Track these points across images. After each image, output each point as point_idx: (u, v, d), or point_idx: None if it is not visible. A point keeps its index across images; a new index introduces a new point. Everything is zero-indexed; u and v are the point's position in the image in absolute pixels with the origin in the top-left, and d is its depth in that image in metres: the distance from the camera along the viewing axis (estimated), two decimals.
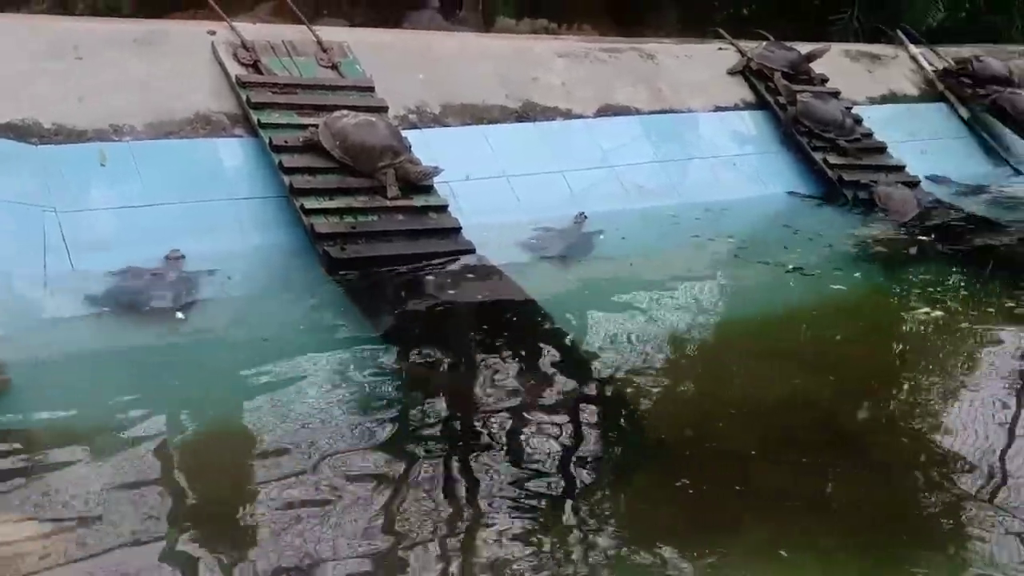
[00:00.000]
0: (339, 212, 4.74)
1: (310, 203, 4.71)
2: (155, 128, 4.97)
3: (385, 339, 3.93)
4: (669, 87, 7.04)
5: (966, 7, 10.20)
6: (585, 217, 5.67)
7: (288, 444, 3.03)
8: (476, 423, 3.29)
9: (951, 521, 2.84)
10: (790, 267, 5.19)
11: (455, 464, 2.99)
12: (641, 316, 4.53)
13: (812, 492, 2.98)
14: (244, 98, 5.16)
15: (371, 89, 5.55)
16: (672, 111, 6.91)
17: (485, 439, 3.17)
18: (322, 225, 4.62)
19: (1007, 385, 3.86)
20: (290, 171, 4.83)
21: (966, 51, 8.73)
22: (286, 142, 4.97)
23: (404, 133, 5.31)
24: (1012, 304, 4.96)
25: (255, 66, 5.40)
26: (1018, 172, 7.82)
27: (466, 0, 8.16)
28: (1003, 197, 7.20)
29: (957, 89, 8.26)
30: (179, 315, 3.98)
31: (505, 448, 3.10)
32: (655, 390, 3.66)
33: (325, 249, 4.51)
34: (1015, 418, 3.50)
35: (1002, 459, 3.17)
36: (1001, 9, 10.67)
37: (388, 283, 4.51)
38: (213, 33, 5.56)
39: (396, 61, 6.03)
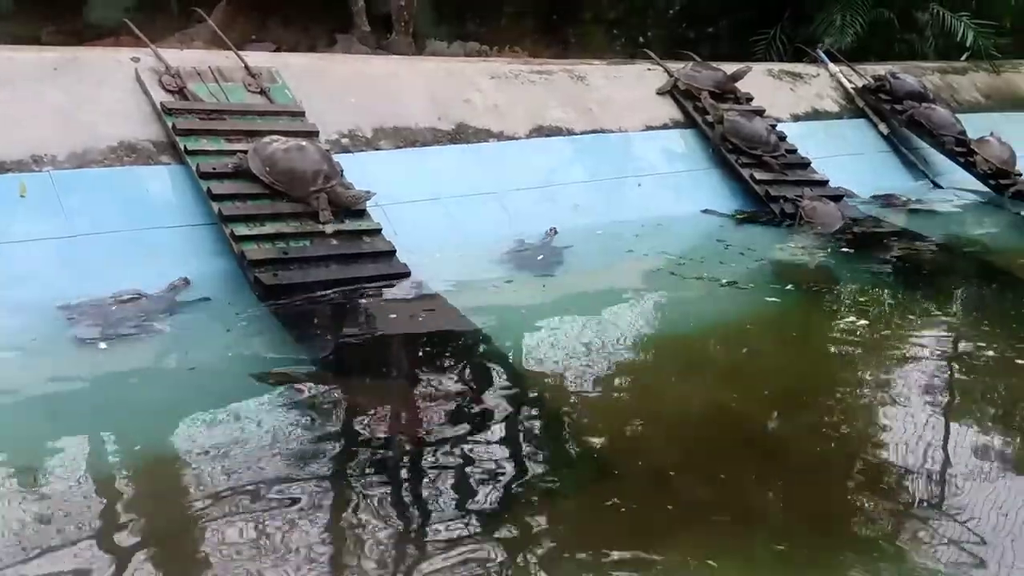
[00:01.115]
0: (270, 238, 4.67)
1: (240, 230, 4.64)
2: (78, 158, 4.85)
3: (318, 365, 3.88)
4: (600, 108, 7.14)
5: (882, 27, 10.58)
6: (556, 232, 5.80)
7: (218, 475, 2.96)
8: (412, 447, 3.27)
9: (875, 526, 2.91)
10: (724, 282, 5.28)
11: (391, 489, 2.96)
12: (577, 333, 4.55)
13: (742, 502, 3.01)
14: (170, 125, 5.07)
15: (301, 114, 5.51)
16: (604, 131, 7.01)
17: (421, 462, 3.15)
18: (253, 252, 4.55)
19: (930, 392, 3.96)
20: (219, 198, 4.76)
21: (883, 69, 9.03)
22: (214, 169, 4.89)
23: (336, 157, 5.27)
24: (934, 313, 5.13)
25: (181, 92, 5.31)
26: (936, 184, 8.09)
27: (396, 24, 8.16)
28: (922, 209, 7.46)
29: (876, 105, 8.55)
30: (102, 345, 3.88)
31: (440, 470, 3.08)
32: (591, 407, 3.68)
33: (257, 276, 4.45)
34: (938, 425, 3.60)
35: (925, 465, 3.26)
36: (915, 28, 11.09)
37: (322, 309, 4.46)
38: (137, 60, 5.46)
39: (327, 85, 5.99)
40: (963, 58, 10.79)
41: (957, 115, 8.52)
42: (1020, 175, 7.84)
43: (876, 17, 10.36)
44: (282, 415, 3.40)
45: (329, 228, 4.81)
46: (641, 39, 8.97)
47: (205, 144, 5.06)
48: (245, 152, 4.96)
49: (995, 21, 10.77)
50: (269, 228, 4.73)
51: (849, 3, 10.14)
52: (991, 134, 8.11)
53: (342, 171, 5.11)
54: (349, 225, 4.94)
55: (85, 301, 4.21)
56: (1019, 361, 4.37)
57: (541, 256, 5.55)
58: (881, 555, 2.74)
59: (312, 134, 5.34)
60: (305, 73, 5.93)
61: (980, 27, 10.44)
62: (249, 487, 2.90)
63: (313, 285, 4.57)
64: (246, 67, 5.67)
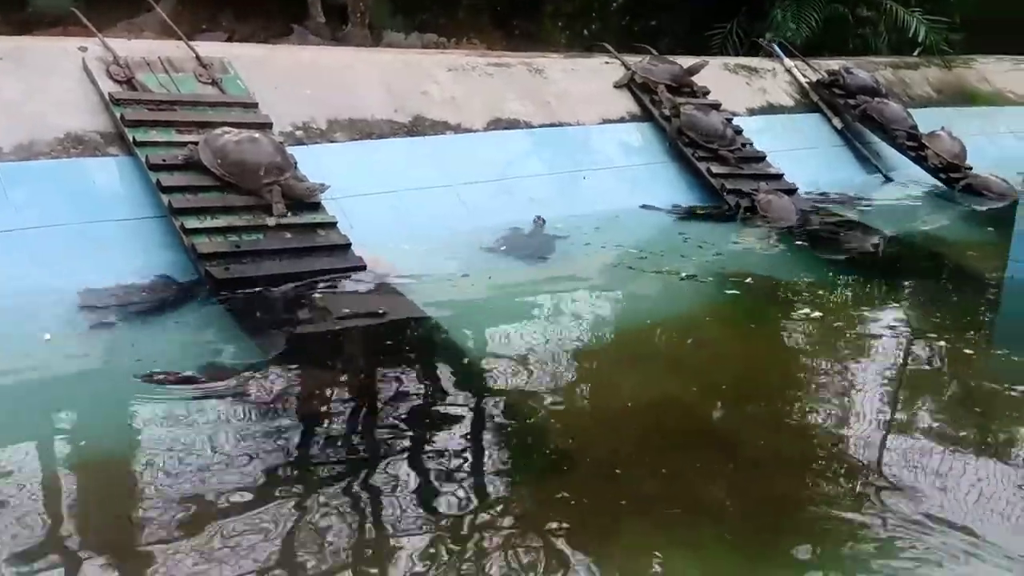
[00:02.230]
0: (222, 231, 4.60)
1: (191, 222, 4.56)
2: (24, 149, 4.74)
3: (271, 359, 3.82)
4: (558, 101, 7.14)
5: (837, 22, 10.71)
6: (543, 221, 5.86)
7: (172, 472, 2.91)
8: (365, 441, 3.24)
9: (823, 515, 2.94)
10: (683, 275, 5.30)
11: (339, 483, 2.92)
12: (534, 327, 4.55)
13: (693, 493, 3.03)
14: (118, 116, 4.97)
15: (254, 105, 5.43)
16: (562, 124, 7.01)
17: (371, 455, 3.13)
18: (204, 245, 4.48)
19: (882, 382, 4.02)
20: (169, 190, 4.67)
21: (837, 64, 9.13)
22: (164, 160, 4.80)
23: (290, 150, 5.21)
24: (886, 304, 5.21)
25: (129, 83, 5.21)
26: (888, 178, 8.21)
27: (352, 15, 8.07)
28: (875, 202, 7.56)
29: (830, 100, 8.64)
30: (47, 336, 3.80)
31: (389, 464, 3.05)
32: (545, 399, 3.67)
33: (208, 269, 4.38)
34: (889, 414, 3.65)
35: (875, 454, 3.30)
36: (869, 23, 11.25)
37: (275, 302, 4.41)
38: (84, 50, 5.35)
39: (281, 76, 5.91)
40: (915, 53, 10.96)
41: (909, 110, 8.64)
42: (970, 169, 7.98)
43: (831, 12, 10.48)
44: (230, 408, 3.35)
45: (279, 221, 4.74)
46: (599, 33, 8.97)
47: (155, 135, 4.98)
48: (196, 144, 4.88)
49: (947, 17, 10.96)
50: (221, 221, 4.65)
51: None
52: (942, 129, 8.25)
53: (296, 163, 5.04)
54: (303, 218, 4.89)
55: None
56: (967, 351, 4.45)
57: (526, 245, 5.64)
58: (829, 543, 2.78)
59: (265, 126, 5.27)
60: (258, 64, 5.85)
61: (932, 23, 10.62)
62: (194, 482, 2.86)
63: (266, 279, 4.51)
64: (197, 57, 5.57)
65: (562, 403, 3.70)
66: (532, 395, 3.71)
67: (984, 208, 7.44)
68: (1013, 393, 3.91)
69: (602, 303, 5.04)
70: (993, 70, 11.33)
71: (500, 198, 6.15)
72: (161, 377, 3.52)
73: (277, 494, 2.83)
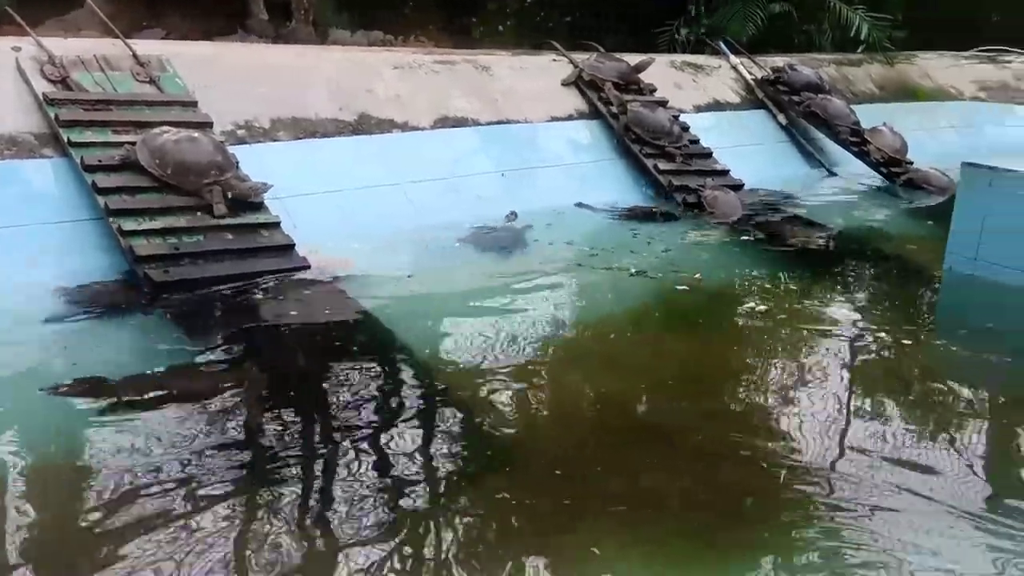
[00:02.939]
0: (161, 233, 4.52)
1: (128, 224, 4.47)
2: None
3: (214, 362, 3.76)
4: (505, 98, 7.12)
5: (782, 20, 10.85)
6: (516, 215, 5.98)
7: (115, 477, 2.85)
8: (305, 443, 3.19)
9: (770, 508, 2.97)
10: (633, 271, 5.32)
11: (279, 485, 2.88)
12: (481, 325, 4.51)
13: (640, 490, 3.04)
14: (53, 116, 4.85)
15: (194, 104, 5.33)
16: (509, 122, 6.99)
17: (314, 456, 3.09)
18: (142, 247, 4.39)
19: (827, 374, 4.06)
20: (105, 191, 4.57)
21: (781, 60, 9.25)
22: (100, 161, 4.70)
23: (232, 149, 5.13)
24: (830, 297, 5.28)
25: (64, 82, 5.09)
26: (832, 173, 8.33)
27: (296, 12, 7.97)
28: (819, 197, 7.67)
29: (775, 96, 8.74)
30: None
31: (333, 465, 3.02)
32: (491, 398, 3.65)
33: (146, 272, 4.30)
34: (833, 406, 3.69)
35: (820, 445, 3.34)
36: (813, 21, 11.41)
37: (217, 305, 4.34)
38: (18, 49, 5.21)
39: (222, 75, 5.82)
40: (859, 50, 11.14)
41: (852, 106, 8.77)
42: (911, 164, 8.13)
43: (776, 9, 10.61)
44: (176, 413, 3.29)
45: (220, 222, 4.67)
46: (547, 30, 8.97)
47: (90, 136, 4.87)
48: (133, 144, 4.78)
49: (889, 14, 11.16)
50: (159, 223, 4.57)
51: None
52: (884, 124, 8.40)
53: (238, 163, 4.97)
54: (246, 218, 4.82)
55: None
56: (906, 342, 4.53)
57: (499, 239, 5.75)
58: (776, 536, 2.81)
59: (205, 125, 5.18)
60: (198, 62, 5.75)
61: (875, 20, 10.80)
62: (133, 486, 2.81)
63: (207, 281, 4.44)
64: (134, 56, 5.46)
65: (509, 401, 3.68)
66: (478, 393, 3.69)
67: (924, 202, 7.58)
68: (951, 382, 3.99)
69: (551, 300, 5.02)
70: (934, 66, 11.56)
71: (447, 196, 6.12)
72: (66, 389, 3.43)
73: (209, 493, 2.79)
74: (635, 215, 6.55)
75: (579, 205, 6.61)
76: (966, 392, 3.92)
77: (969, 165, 5.21)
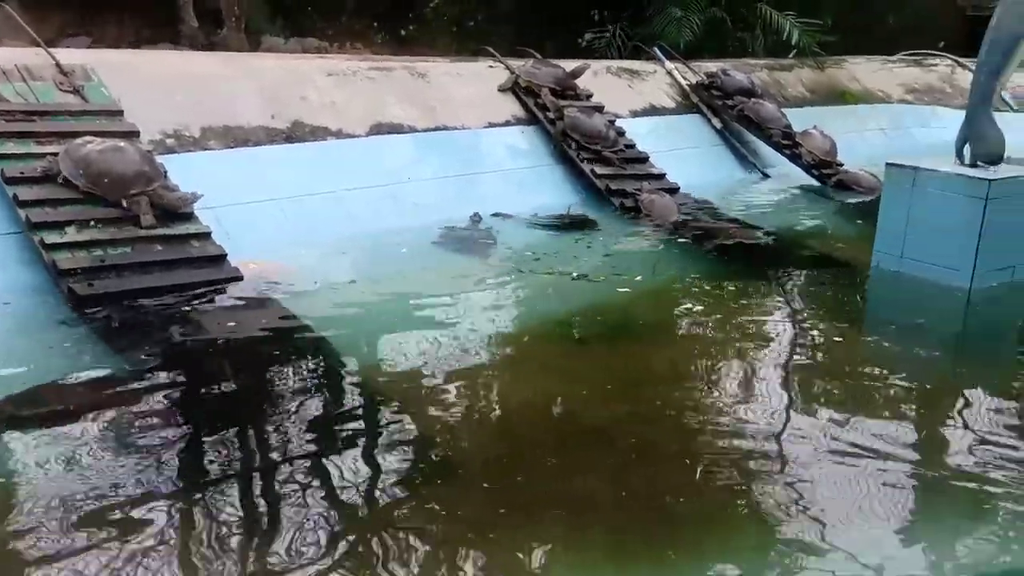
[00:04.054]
0: (85, 246, 4.40)
1: (51, 237, 4.35)
2: None
3: (142, 377, 3.66)
4: (442, 105, 7.10)
5: (716, 26, 11.03)
6: (480, 217, 6.11)
7: (44, 498, 2.76)
8: (236, 456, 3.13)
9: (706, 508, 2.99)
10: (575, 275, 5.33)
11: (210, 501, 2.82)
12: (420, 332, 4.48)
13: (578, 493, 3.04)
14: None
15: (120, 113, 5.22)
16: (446, 128, 6.97)
17: (248, 472, 3.03)
18: (65, 260, 4.27)
19: (763, 374, 4.11)
20: (26, 204, 4.45)
21: (715, 66, 9.38)
22: (22, 173, 4.58)
23: (161, 158, 5.03)
24: (765, 298, 5.36)
25: None
26: (765, 175, 8.47)
27: (227, 19, 7.85)
28: (753, 199, 7.80)
29: (709, 101, 8.87)
30: None
31: (267, 480, 2.97)
32: (430, 406, 3.63)
33: (69, 286, 4.18)
34: (774, 406, 3.73)
35: (758, 443, 3.37)
36: (747, 27, 11.62)
37: (145, 318, 4.23)
38: None
39: (149, 83, 5.71)
40: (790, 55, 11.37)
41: (784, 109, 8.94)
42: (841, 165, 8.30)
43: (710, 16, 10.78)
44: (106, 430, 3.21)
45: (148, 233, 4.57)
46: (483, 37, 8.98)
47: (11, 147, 4.75)
48: (56, 155, 4.65)
49: (819, 20, 11.42)
50: (84, 235, 4.45)
51: (686, 3, 10.53)
52: (814, 127, 8.56)
53: (166, 173, 4.87)
54: (175, 229, 4.72)
55: None
56: (837, 339, 4.62)
57: (465, 240, 5.87)
58: (713, 536, 2.83)
59: (132, 134, 5.08)
60: (125, 70, 5.63)
61: (805, 26, 11.04)
62: (60, 509, 2.72)
63: (134, 293, 4.34)
64: (57, 65, 5.33)
65: (448, 407, 3.66)
66: (416, 401, 3.66)
67: (854, 202, 7.75)
68: (880, 376, 4.08)
69: (493, 305, 5.01)
70: (863, 70, 11.83)
71: (385, 203, 6.08)
72: None
73: (137, 512, 2.72)
74: (556, 224, 6.49)
75: (496, 215, 6.45)
76: (899, 386, 4.00)
77: (893, 165, 5.34)
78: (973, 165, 5.17)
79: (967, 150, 5.23)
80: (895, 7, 14.08)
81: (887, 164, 5.43)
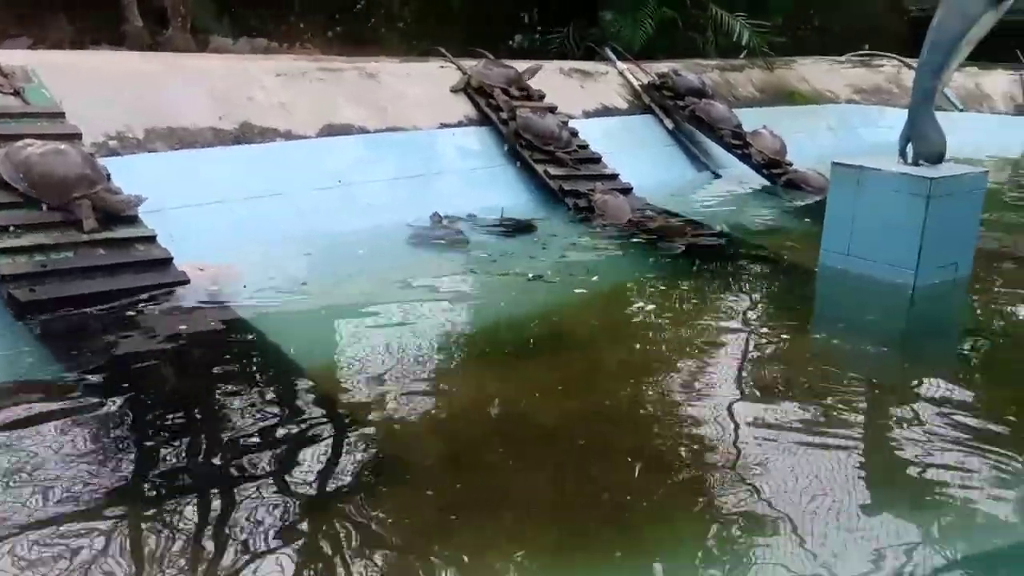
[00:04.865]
0: (26, 251, 4.30)
1: None
2: None
3: (85, 384, 3.58)
4: (393, 106, 7.07)
5: (668, 26, 11.13)
6: (441, 216, 6.16)
7: None
8: (180, 463, 3.07)
9: (653, 508, 2.99)
10: (531, 276, 5.32)
11: (157, 508, 2.77)
12: (373, 334, 4.45)
13: (532, 493, 3.03)
14: None
15: (61, 115, 5.10)
16: (398, 129, 6.94)
17: (191, 478, 2.98)
18: (5, 266, 4.17)
19: (717, 372, 4.13)
20: None
21: (667, 67, 9.46)
22: None
23: (104, 161, 4.94)
24: (717, 295, 5.41)
25: None
26: (717, 175, 8.56)
27: (172, 19, 7.72)
28: (705, 199, 7.88)
29: (661, 101, 8.94)
30: None
31: (217, 484, 2.93)
32: (383, 407, 3.59)
33: (10, 292, 4.07)
34: (726, 404, 3.74)
35: (712, 444, 3.39)
36: (698, 28, 11.74)
37: (89, 324, 4.15)
38: None
39: (93, 84, 5.59)
40: (741, 56, 11.52)
41: (734, 110, 9.04)
42: (791, 165, 8.42)
43: (662, 17, 10.87)
44: (50, 439, 3.13)
45: (91, 237, 4.47)
46: (436, 37, 8.95)
47: None
48: None
49: (768, 21, 11.58)
50: (24, 240, 4.35)
51: (638, 4, 10.60)
52: (764, 127, 8.67)
53: (109, 175, 4.78)
54: (118, 233, 4.63)
55: None
56: (785, 336, 4.68)
57: (453, 233, 5.97)
58: (662, 533, 2.84)
59: (74, 137, 4.97)
60: (67, 72, 5.51)
61: (755, 27, 11.19)
62: (36, 517, 2.68)
63: (77, 299, 4.24)
64: None
65: (398, 412, 3.62)
66: (367, 403, 3.63)
67: (803, 201, 7.87)
68: (829, 373, 4.13)
69: (448, 307, 4.98)
70: (812, 71, 12.03)
71: (335, 204, 6.03)
72: None
73: (107, 522, 2.67)
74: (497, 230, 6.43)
75: (445, 217, 6.38)
76: (848, 382, 4.04)
77: (839, 165, 5.42)
78: (916, 164, 5.27)
79: (910, 149, 5.34)
80: (842, 9, 14.35)
81: (833, 163, 5.51)
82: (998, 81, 12.55)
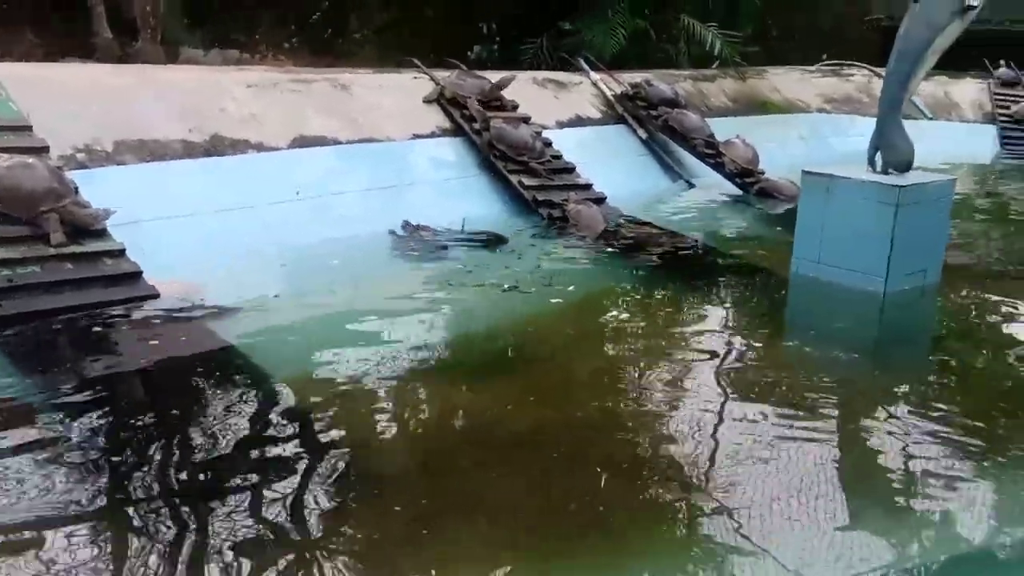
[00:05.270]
0: None
1: None
2: None
3: (53, 401, 3.53)
4: (366, 117, 7.05)
5: (641, 37, 11.20)
6: (413, 225, 6.13)
7: None
8: (151, 482, 3.03)
9: (625, 513, 3.00)
10: (506, 286, 5.32)
11: (146, 524, 2.74)
12: (347, 347, 4.41)
13: (504, 504, 3.02)
14: None
15: (28, 128, 5.05)
16: (371, 140, 6.92)
17: (171, 492, 2.94)
18: None
19: (692, 380, 4.13)
20: None
21: (640, 77, 9.51)
22: None
23: (72, 174, 4.89)
24: (691, 304, 5.43)
25: None
26: (690, 184, 8.61)
27: (142, 30, 7.66)
28: (679, 208, 7.92)
29: (634, 111, 8.98)
30: None
31: (191, 498, 2.90)
32: (357, 422, 3.57)
33: None
34: (701, 412, 3.75)
35: (687, 452, 3.39)
36: (671, 38, 11.83)
37: (57, 339, 4.09)
38: None
39: (60, 97, 5.54)
40: (713, 66, 11.61)
41: (707, 119, 9.10)
42: (763, 173, 8.48)
43: (634, 27, 10.94)
44: (18, 456, 3.08)
45: (58, 251, 4.42)
46: (408, 48, 8.95)
47: None
48: None
49: (739, 32, 11.69)
50: None
51: (611, 15, 10.67)
52: (737, 136, 8.74)
53: (77, 189, 4.73)
54: (87, 247, 4.58)
55: None
56: (757, 344, 4.70)
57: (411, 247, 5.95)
58: (638, 540, 2.83)
59: (41, 150, 4.92)
60: (33, 84, 5.46)
61: (727, 37, 11.29)
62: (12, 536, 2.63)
63: (45, 314, 4.20)
64: None
65: (373, 424, 3.61)
66: (341, 418, 3.59)
67: (776, 209, 7.92)
68: (802, 380, 4.16)
69: (423, 319, 4.96)
70: (783, 80, 12.15)
71: (308, 216, 6.00)
72: None
73: (80, 541, 2.63)
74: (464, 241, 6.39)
75: (392, 232, 6.25)
76: (820, 389, 4.06)
77: (809, 173, 5.46)
78: (884, 172, 5.32)
79: (879, 158, 5.39)
80: (812, 19, 14.53)
81: (803, 172, 5.55)
82: (967, 90, 12.72)
